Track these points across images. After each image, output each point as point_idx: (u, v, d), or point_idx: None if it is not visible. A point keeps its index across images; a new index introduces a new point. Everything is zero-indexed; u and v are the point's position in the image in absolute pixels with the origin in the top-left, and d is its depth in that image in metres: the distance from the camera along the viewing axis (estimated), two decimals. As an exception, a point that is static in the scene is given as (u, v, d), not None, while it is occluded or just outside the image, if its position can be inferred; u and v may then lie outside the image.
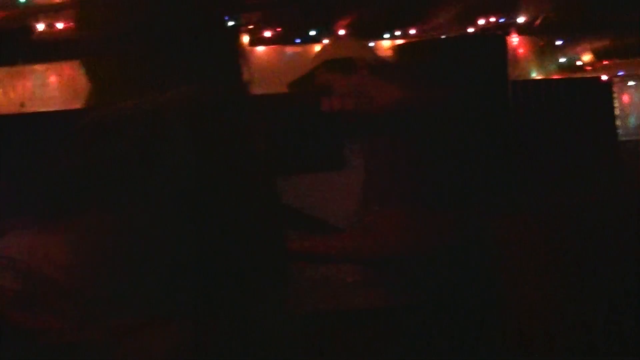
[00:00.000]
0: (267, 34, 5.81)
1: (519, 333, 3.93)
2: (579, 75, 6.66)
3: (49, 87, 5.91)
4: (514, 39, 6.32)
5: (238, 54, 2.86)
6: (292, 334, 2.73)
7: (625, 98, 7.16)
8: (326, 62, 3.13)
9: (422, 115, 3.02)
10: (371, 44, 5.86)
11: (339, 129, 4.31)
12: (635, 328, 3.77)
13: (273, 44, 5.89)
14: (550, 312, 4.81)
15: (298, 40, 5.94)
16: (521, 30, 6.34)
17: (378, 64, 3.20)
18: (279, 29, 5.82)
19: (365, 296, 3.44)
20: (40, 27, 5.31)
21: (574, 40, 6.53)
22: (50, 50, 5.23)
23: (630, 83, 7.17)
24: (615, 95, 7.00)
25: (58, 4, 5.04)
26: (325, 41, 5.95)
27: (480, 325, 3.00)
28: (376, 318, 3.51)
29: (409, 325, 3.11)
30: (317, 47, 5.87)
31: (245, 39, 5.85)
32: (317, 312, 3.54)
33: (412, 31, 6.00)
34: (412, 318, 3.08)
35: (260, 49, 5.92)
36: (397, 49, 5.16)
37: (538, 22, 6.22)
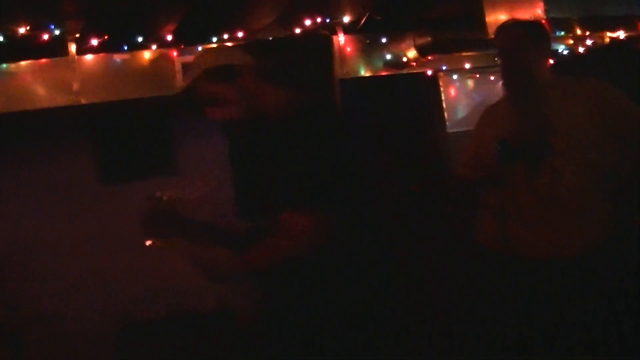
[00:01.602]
0: (94, 42, 5.71)
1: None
2: (405, 71, 6.82)
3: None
4: (341, 39, 6.43)
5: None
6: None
7: (452, 91, 7.37)
8: (203, 73, 3.10)
9: (305, 118, 3.05)
10: (199, 48, 5.86)
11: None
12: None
13: (101, 51, 5.79)
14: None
15: (125, 48, 5.87)
16: (347, 29, 6.46)
17: (257, 66, 3.20)
18: (106, 37, 5.74)
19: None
20: None
21: (397, 37, 6.69)
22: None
23: (455, 77, 7.39)
24: (441, 88, 7.21)
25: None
26: (153, 47, 5.92)
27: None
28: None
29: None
30: (146, 54, 5.84)
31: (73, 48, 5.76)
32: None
33: (240, 34, 6.01)
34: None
35: (88, 57, 5.83)
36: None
37: (363, 21, 6.34)
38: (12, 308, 4.97)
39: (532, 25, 4.29)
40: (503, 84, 4.20)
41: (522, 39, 4.08)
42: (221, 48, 3.53)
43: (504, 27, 4.23)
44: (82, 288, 6.36)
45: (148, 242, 3.28)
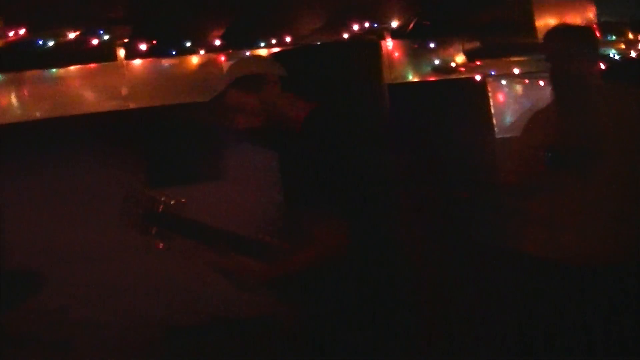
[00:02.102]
0: (143, 46, 5.75)
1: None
2: (453, 76, 6.78)
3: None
4: (389, 44, 6.40)
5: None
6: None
7: (500, 97, 7.32)
8: (236, 81, 3.12)
9: (328, 129, 3.05)
10: (247, 53, 5.87)
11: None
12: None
13: (149, 56, 5.83)
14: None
15: (173, 52, 5.90)
16: (395, 34, 6.43)
17: (286, 77, 3.21)
18: (154, 42, 5.77)
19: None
20: None
21: (446, 42, 6.66)
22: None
23: (503, 82, 7.33)
24: (490, 94, 7.16)
25: None
26: (201, 52, 5.94)
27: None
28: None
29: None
30: (194, 59, 5.86)
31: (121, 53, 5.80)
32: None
33: (288, 38, 6.02)
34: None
35: (137, 62, 5.87)
36: (275, 57, 5.18)
37: (411, 26, 6.32)
38: (59, 313, 5.01)
39: (582, 30, 4.23)
40: (552, 89, 4.15)
41: (572, 44, 4.03)
42: (254, 57, 3.54)
43: (553, 32, 4.18)
44: (126, 294, 6.39)
45: (160, 245, 3.29)
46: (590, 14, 6.00)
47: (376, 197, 3.06)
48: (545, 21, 5.99)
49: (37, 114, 5.87)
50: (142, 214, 3.27)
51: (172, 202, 3.22)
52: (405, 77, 6.52)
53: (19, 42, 5.47)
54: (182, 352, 6.01)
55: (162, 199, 3.21)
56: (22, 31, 5.44)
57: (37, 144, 6.27)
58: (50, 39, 5.52)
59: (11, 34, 5.41)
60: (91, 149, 6.41)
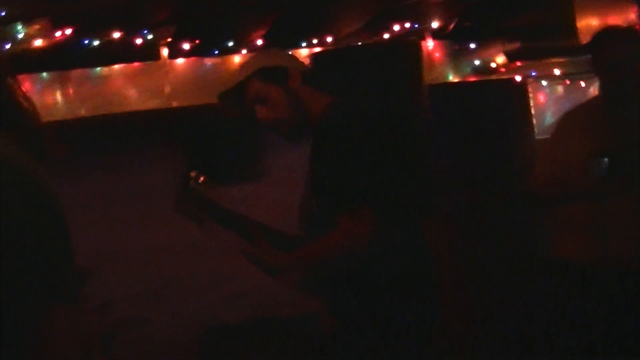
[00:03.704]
0: (186, 46, 5.82)
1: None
2: (494, 77, 6.78)
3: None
4: (429, 44, 6.43)
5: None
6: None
7: (541, 98, 7.31)
8: (258, 71, 3.15)
9: (347, 123, 3.08)
10: (293, 51, 5.92)
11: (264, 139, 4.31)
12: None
13: (192, 55, 5.90)
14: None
15: (216, 52, 5.97)
16: (436, 35, 6.45)
17: (308, 72, 3.24)
18: (197, 41, 5.84)
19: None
20: None
21: (486, 43, 6.66)
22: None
23: (544, 83, 7.32)
24: (530, 95, 7.15)
25: None
26: (244, 51, 6.00)
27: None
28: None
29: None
30: (236, 58, 5.92)
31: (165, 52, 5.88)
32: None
33: (329, 39, 6.06)
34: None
35: (180, 61, 5.94)
36: (316, 57, 5.23)
37: (452, 27, 6.33)
38: (103, 310, 5.05)
39: (630, 32, 4.20)
40: (602, 94, 4.11)
41: (621, 46, 3.99)
42: (276, 50, 3.57)
43: (602, 35, 4.13)
44: (168, 293, 6.46)
45: (189, 221, 3.34)
46: (633, 14, 5.97)
47: (407, 198, 3.09)
48: (587, 22, 5.96)
49: (82, 112, 5.96)
50: (177, 189, 3.33)
51: (201, 179, 3.27)
52: (446, 77, 6.54)
53: (65, 42, 5.57)
54: (224, 350, 6.06)
55: (193, 174, 3.27)
56: (68, 31, 5.53)
57: (82, 142, 6.36)
58: (95, 39, 5.61)
59: (58, 34, 5.51)
60: (134, 147, 6.50)
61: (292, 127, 3.17)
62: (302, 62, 3.28)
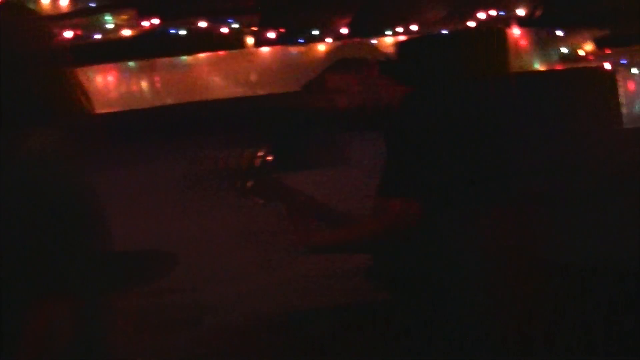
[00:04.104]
0: (271, 34, 5.85)
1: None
2: (582, 65, 6.66)
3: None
4: (515, 32, 6.34)
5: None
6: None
7: (630, 86, 7.16)
8: (339, 62, 3.20)
9: (426, 111, 3.09)
10: (373, 42, 5.91)
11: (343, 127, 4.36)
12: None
13: (277, 44, 5.93)
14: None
15: (301, 40, 5.99)
16: (522, 22, 6.36)
17: (388, 62, 3.27)
18: (282, 30, 5.87)
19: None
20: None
21: (575, 30, 6.55)
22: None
23: (634, 71, 7.17)
24: (619, 83, 7.01)
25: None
26: (328, 40, 6.00)
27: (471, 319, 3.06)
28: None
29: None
30: (320, 46, 5.93)
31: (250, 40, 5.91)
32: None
33: (414, 27, 6.02)
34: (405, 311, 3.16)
35: (265, 49, 5.97)
36: (400, 45, 5.21)
37: (538, 13, 6.24)
38: (186, 294, 5.15)
39: None
40: None
41: None
42: (353, 42, 3.61)
43: None
44: (249, 278, 6.51)
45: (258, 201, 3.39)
46: None
47: (478, 190, 3.09)
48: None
49: (169, 100, 6.04)
50: (240, 169, 3.38)
51: (268, 158, 3.32)
52: (532, 66, 6.44)
53: (151, 31, 5.65)
54: (300, 337, 6.08)
55: (260, 153, 3.32)
56: (155, 21, 5.62)
57: (169, 129, 6.45)
58: (181, 27, 5.68)
59: (145, 23, 5.60)
60: (219, 134, 6.55)
61: (370, 117, 3.21)
62: (382, 52, 3.32)
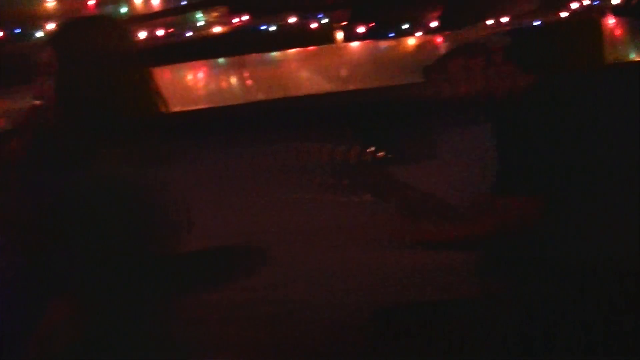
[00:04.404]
0: (361, 29, 5.84)
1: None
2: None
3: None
4: (610, 21, 6.21)
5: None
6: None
7: None
8: (462, 46, 3.18)
9: (554, 101, 3.04)
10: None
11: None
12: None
13: (367, 39, 5.91)
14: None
15: (391, 35, 5.96)
16: (617, 11, 6.23)
17: (513, 48, 3.23)
18: (372, 24, 5.85)
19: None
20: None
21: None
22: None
23: None
24: None
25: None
26: (418, 34, 5.96)
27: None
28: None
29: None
30: (410, 40, 5.90)
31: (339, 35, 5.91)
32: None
33: (504, 19, 5.95)
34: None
35: (354, 44, 5.96)
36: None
37: (634, 1, 6.11)
38: (271, 290, 5.16)
39: None
40: None
41: None
42: (477, 28, 3.57)
43: None
44: (337, 275, 6.51)
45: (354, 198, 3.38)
46: None
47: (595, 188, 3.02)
48: None
49: (259, 96, 6.07)
50: (348, 164, 3.35)
51: (378, 153, 3.29)
52: (628, 56, 6.30)
53: (242, 27, 5.69)
54: (388, 333, 6.06)
55: (370, 150, 3.29)
56: (245, 17, 5.65)
57: (259, 126, 6.48)
58: (272, 24, 5.71)
59: (235, 20, 5.64)
60: (310, 129, 6.56)
61: (489, 106, 3.17)
62: (504, 38, 3.27)
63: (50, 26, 5.37)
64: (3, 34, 5.40)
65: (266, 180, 6.56)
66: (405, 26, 5.97)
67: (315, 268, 6.17)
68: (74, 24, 2.62)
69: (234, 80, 6.18)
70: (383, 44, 6.02)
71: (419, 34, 6.00)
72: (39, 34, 5.42)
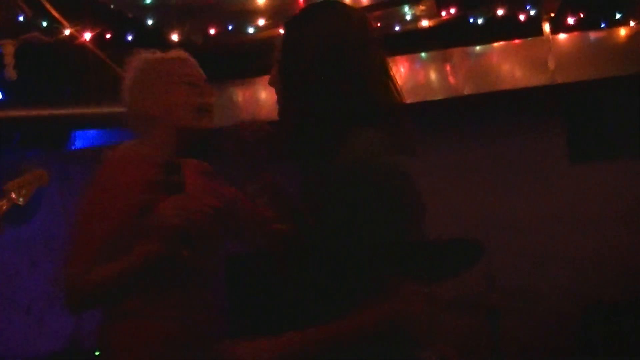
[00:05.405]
0: (570, 20, 5.71)
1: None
2: None
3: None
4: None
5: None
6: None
7: None
8: None
9: None
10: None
11: None
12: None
13: (576, 30, 5.76)
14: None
15: (603, 25, 5.78)
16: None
17: None
18: (582, 15, 5.70)
19: None
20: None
21: None
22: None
23: None
24: None
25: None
26: (632, 23, 5.75)
27: None
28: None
29: None
30: (622, 30, 5.71)
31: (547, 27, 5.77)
32: None
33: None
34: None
35: (563, 36, 5.83)
36: None
37: None
38: (490, 279, 5.12)
39: None
40: None
41: None
42: None
43: None
44: (548, 265, 6.39)
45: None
46: None
47: None
48: None
49: (465, 91, 6.02)
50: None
51: None
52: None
53: (449, 20, 5.65)
54: (604, 327, 5.91)
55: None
56: (452, 10, 5.61)
57: (466, 120, 6.45)
58: (480, 16, 5.64)
59: (443, 13, 5.61)
60: (515, 122, 6.47)
61: None
62: None
63: (261, 22, 5.50)
64: (216, 30, 5.56)
65: (475, 173, 6.54)
66: (618, 15, 5.77)
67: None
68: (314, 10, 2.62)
69: (438, 75, 6.16)
70: (593, 35, 5.86)
71: (632, 23, 5.79)
72: (250, 30, 5.55)
